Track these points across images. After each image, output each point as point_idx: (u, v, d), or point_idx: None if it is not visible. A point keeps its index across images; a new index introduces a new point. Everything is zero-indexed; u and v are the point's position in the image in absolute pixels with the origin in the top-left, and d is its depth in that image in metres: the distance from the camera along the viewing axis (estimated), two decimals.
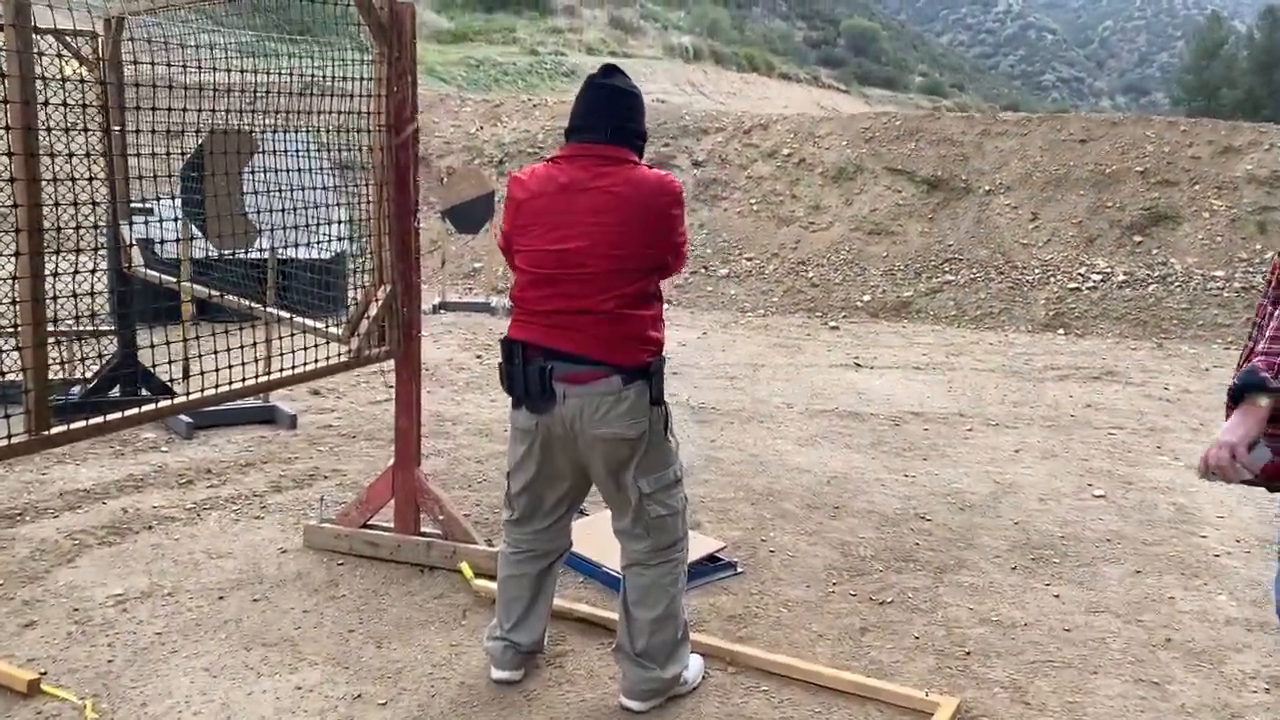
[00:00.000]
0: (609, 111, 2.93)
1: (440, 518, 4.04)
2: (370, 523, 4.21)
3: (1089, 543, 4.59)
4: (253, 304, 4.75)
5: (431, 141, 13.86)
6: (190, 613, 3.56)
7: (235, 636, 3.39)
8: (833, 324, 10.49)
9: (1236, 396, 1.90)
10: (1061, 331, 10.28)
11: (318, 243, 4.49)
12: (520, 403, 2.97)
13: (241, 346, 3.68)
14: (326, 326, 4.25)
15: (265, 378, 3.57)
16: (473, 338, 8.95)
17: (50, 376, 3.19)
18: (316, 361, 3.71)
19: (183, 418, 5.75)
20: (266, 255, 7.57)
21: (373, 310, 3.83)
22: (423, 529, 4.13)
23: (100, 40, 5.79)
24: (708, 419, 6.51)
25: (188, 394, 3.51)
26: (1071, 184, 11.60)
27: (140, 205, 5.63)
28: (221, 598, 3.72)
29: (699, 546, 4.09)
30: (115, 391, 6.03)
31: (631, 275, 2.82)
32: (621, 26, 46.63)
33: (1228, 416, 1.93)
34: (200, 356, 3.47)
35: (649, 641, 2.98)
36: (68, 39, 5.91)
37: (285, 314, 4.34)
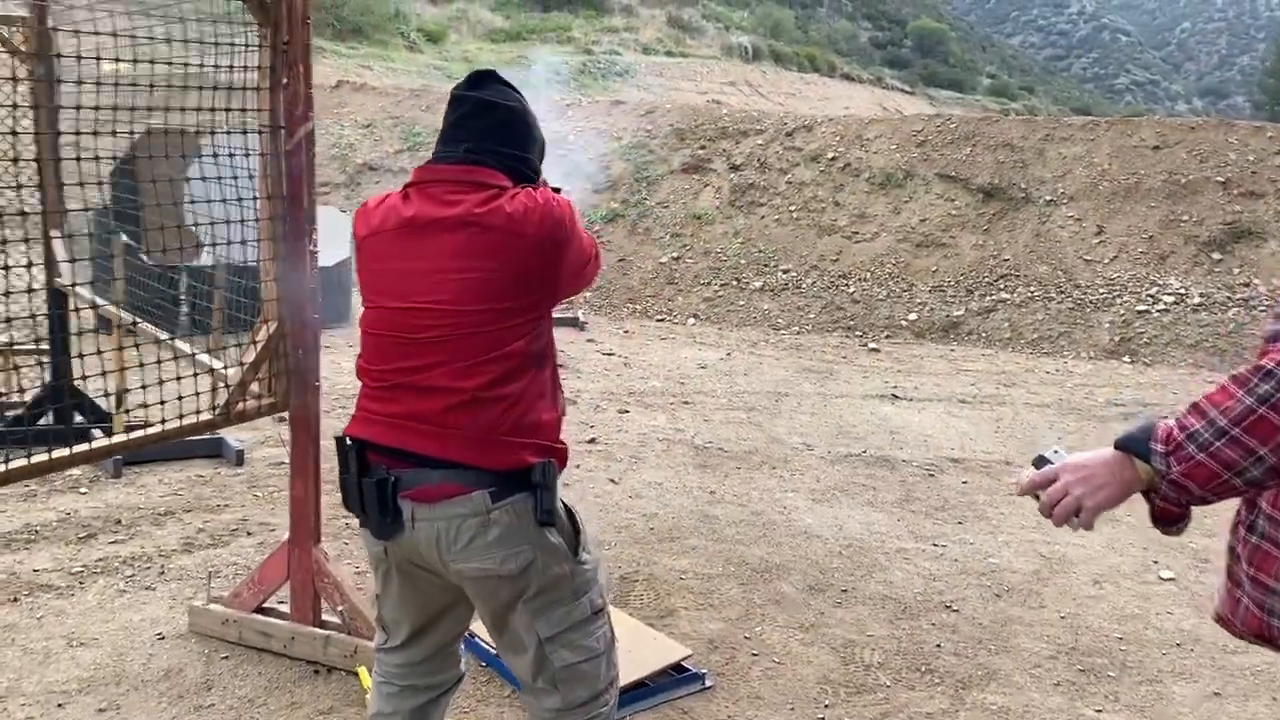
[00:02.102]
0: (471, 128, 2.20)
1: (341, 608, 3.30)
2: (267, 605, 3.50)
3: (1154, 647, 3.72)
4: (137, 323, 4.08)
5: None
6: None
7: None
8: (873, 345, 9.60)
9: (1120, 447, 1.47)
10: (1128, 359, 9.28)
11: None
12: (362, 523, 2.21)
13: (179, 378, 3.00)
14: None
15: (86, 446, 2.83)
16: None
17: None
18: (181, 418, 2.98)
19: None
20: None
21: (249, 355, 3.10)
22: (324, 617, 3.40)
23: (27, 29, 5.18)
24: (711, 462, 5.70)
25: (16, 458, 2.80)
26: (1142, 195, 10.56)
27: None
28: (61, 705, 3.02)
29: (659, 654, 3.30)
30: (48, 419, 5.41)
31: (501, 336, 2.07)
32: (680, 26, 45.67)
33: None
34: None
35: None
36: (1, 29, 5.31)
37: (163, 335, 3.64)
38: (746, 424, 6.59)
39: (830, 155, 11.90)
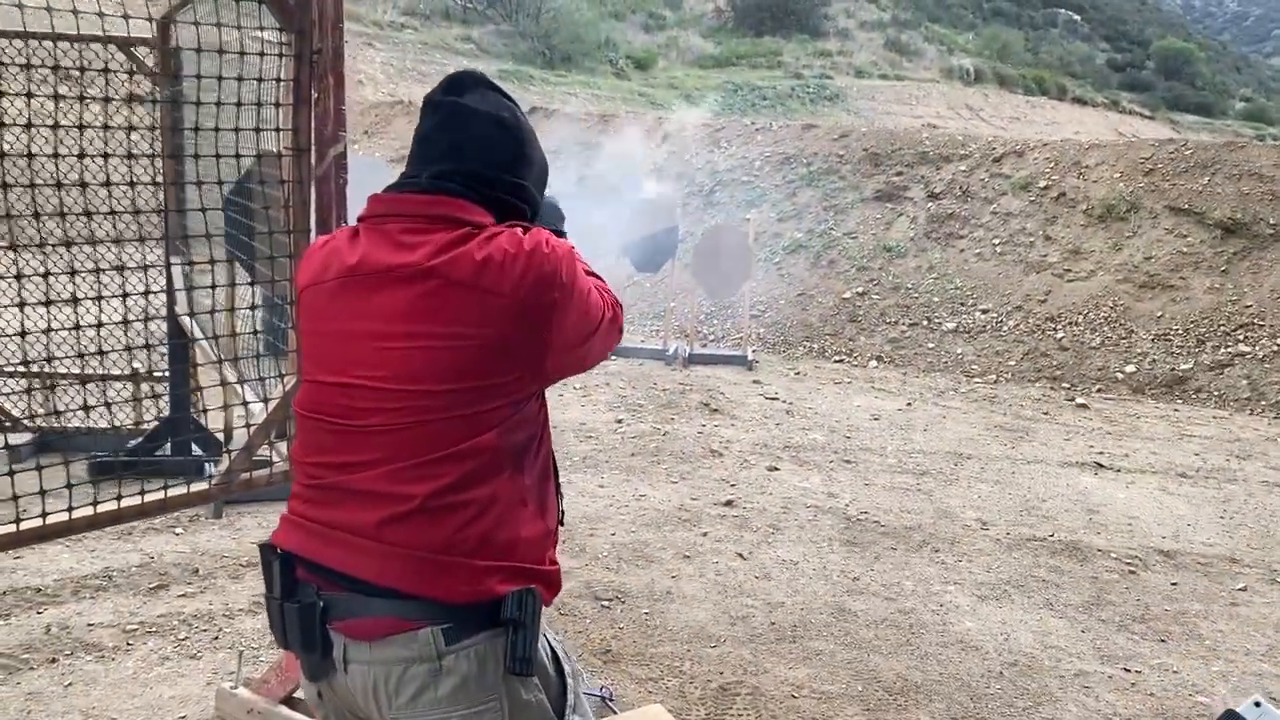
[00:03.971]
0: (442, 145, 1.69)
1: None
2: (295, 696, 3.05)
3: None
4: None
5: (643, 169, 12.83)
6: None
7: None
8: (1080, 400, 8.43)
9: None
10: None
11: None
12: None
13: None
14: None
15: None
16: (629, 394, 7.72)
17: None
18: (165, 489, 2.55)
19: None
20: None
21: (258, 414, 2.64)
22: None
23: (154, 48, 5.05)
24: (862, 539, 4.91)
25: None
26: None
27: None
28: None
29: None
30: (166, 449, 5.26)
31: (464, 426, 1.57)
32: (897, 49, 44.19)
33: None
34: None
35: None
36: (132, 49, 5.21)
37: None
38: (914, 492, 5.74)
39: (1043, 184, 10.74)
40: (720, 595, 4.17)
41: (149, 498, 2.60)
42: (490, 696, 1.58)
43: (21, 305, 2.85)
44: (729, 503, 5.30)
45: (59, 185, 3.05)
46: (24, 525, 2.47)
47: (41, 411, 5.72)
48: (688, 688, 3.40)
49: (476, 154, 1.68)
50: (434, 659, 1.55)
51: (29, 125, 2.68)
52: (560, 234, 1.88)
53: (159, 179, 4.71)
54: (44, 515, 2.46)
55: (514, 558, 1.59)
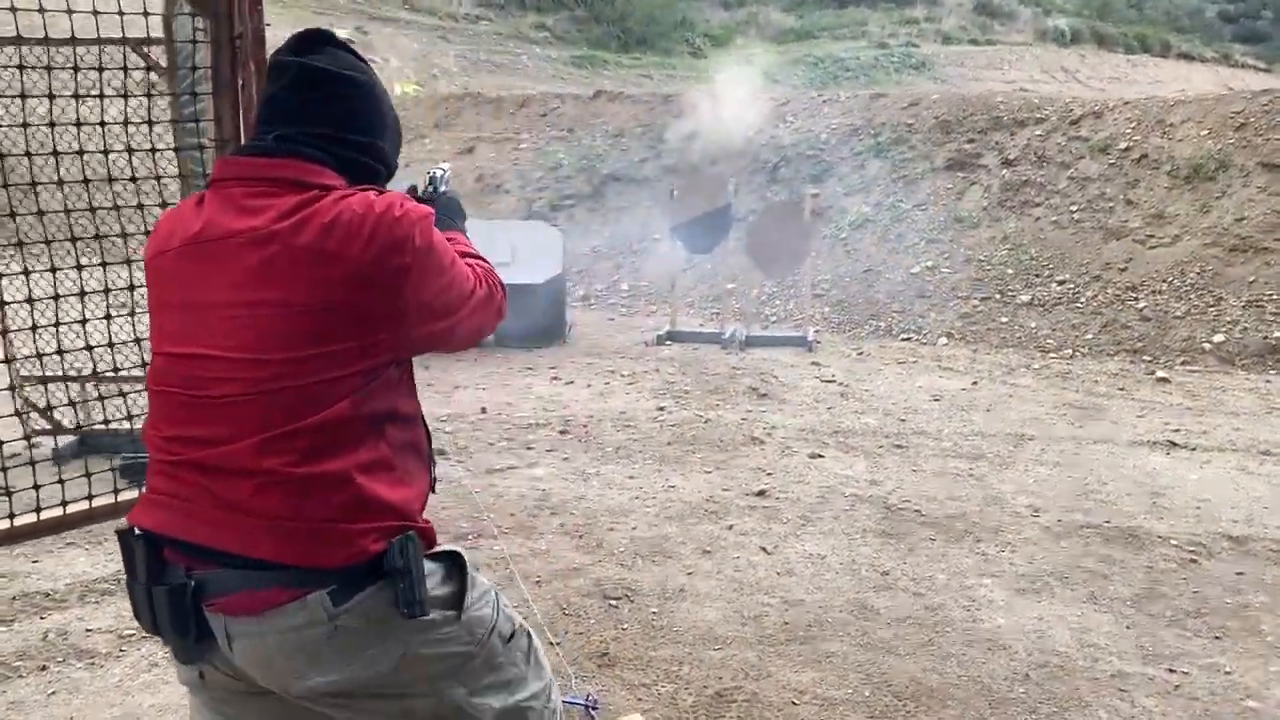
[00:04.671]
0: (289, 106, 1.65)
1: None
2: None
3: None
4: None
5: (706, 148, 12.57)
6: None
7: None
8: (1161, 373, 7.93)
9: None
10: None
11: None
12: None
13: None
14: None
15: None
16: (677, 380, 7.53)
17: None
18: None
19: None
20: None
21: None
22: None
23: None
24: (899, 529, 4.65)
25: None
26: None
27: None
28: None
29: None
30: None
31: (315, 394, 1.56)
32: (987, 12, 42.66)
33: None
34: None
35: None
36: (143, 49, 5.21)
37: None
38: (964, 478, 5.43)
39: (1123, 145, 10.16)
40: (735, 593, 3.97)
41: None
42: (389, 637, 1.59)
43: (84, 322, 3.05)
44: (761, 493, 5.08)
45: (118, 208, 3.05)
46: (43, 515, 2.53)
47: (93, 418, 5.80)
48: (681, 694, 3.22)
49: (326, 114, 1.64)
50: (326, 621, 1.54)
51: (79, 123, 2.68)
52: (421, 196, 1.83)
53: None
54: (64, 504, 2.54)
55: (386, 518, 1.59)
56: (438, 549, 1.72)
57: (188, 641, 1.57)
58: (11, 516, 2.64)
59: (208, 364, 1.56)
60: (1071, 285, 9.33)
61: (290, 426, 1.53)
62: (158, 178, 2.75)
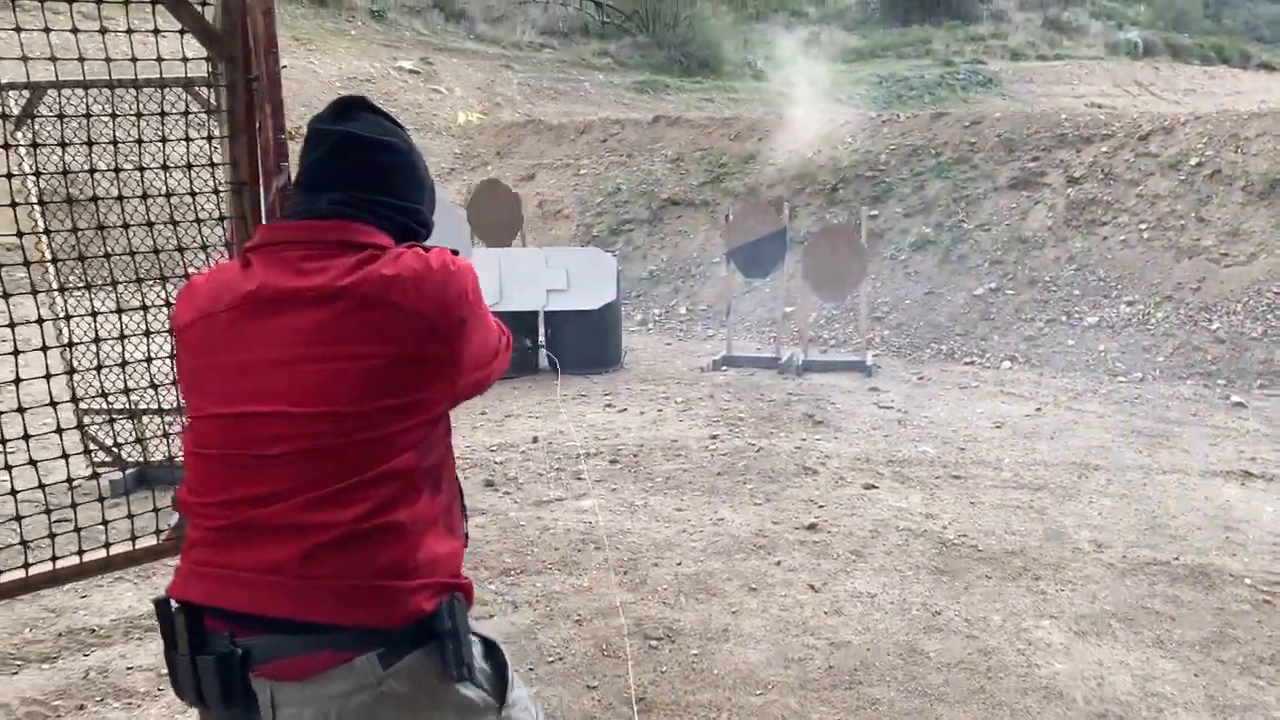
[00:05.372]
0: (337, 171, 1.70)
1: None
2: None
3: None
4: None
5: (764, 170, 12.48)
6: None
7: None
8: (1237, 398, 7.61)
9: None
10: None
11: None
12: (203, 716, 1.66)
13: None
14: None
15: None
16: (731, 406, 7.43)
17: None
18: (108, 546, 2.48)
19: None
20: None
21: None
22: None
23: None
24: (954, 566, 4.49)
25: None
26: None
27: None
28: None
29: None
30: None
31: (382, 448, 1.57)
32: (1057, 27, 41.91)
33: None
34: None
35: None
36: (196, 89, 5.30)
37: None
38: (1025, 510, 5.24)
39: (1194, 161, 9.83)
40: (781, 634, 3.85)
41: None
42: (434, 709, 1.59)
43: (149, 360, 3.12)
44: (812, 526, 4.96)
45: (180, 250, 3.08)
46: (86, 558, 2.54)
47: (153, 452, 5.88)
48: None
49: (370, 179, 1.70)
50: (374, 686, 1.53)
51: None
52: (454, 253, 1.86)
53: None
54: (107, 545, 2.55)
55: (436, 575, 1.60)
56: (475, 633, 1.70)
57: (235, 711, 1.56)
58: (54, 559, 2.64)
59: (269, 422, 1.55)
60: (1141, 306, 9.03)
61: (352, 479, 1.54)
62: (222, 218, 2.76)
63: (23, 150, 4.81)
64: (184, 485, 1.66)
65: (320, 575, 1.52)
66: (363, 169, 1.70)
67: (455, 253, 1.80)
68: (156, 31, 2.37)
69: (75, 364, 4.13)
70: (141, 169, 3.05)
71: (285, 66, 2.35)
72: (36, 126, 4.69)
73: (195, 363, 1.66)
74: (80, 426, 5.23)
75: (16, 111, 4.92)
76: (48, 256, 5.09)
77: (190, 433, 1.65)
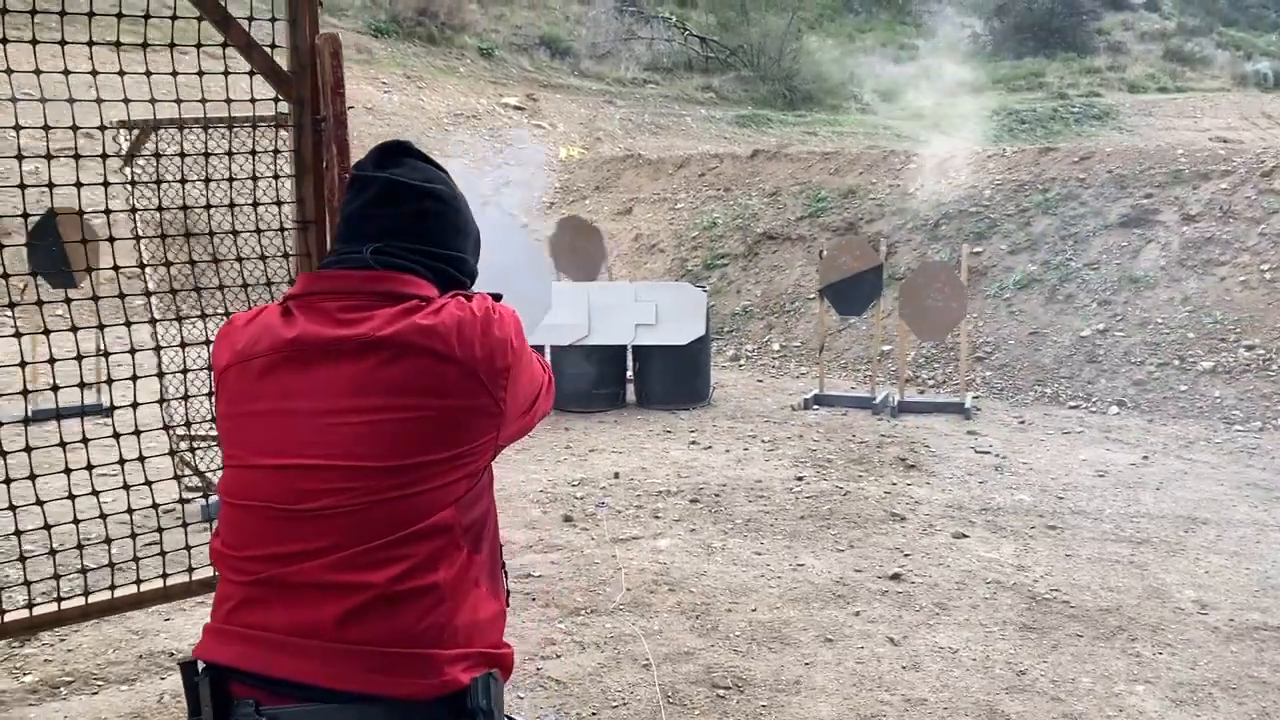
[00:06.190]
0: (380, 220, 1.66)
1: None
2: None
3: None
4: None
5: (864, 205, 12.29)
6: None
7: None
8: None
9: None
10: None
11: None
12: None
13: None
14: None
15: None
16: (821, 447, 7.27)
17: None
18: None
19: None
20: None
21: None
22: None
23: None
24: (1043, 623, 4.27)
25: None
26: None
27: None
28: None
29: None
30: None
31: (423, 504, 1.52)
32: (1178, 59, 40.53)
33: None
34: None
35: None
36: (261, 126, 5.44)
37: None
38: (1125, 565, 4.97)
39: None
40: (854, 688, 3.71)
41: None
42: None
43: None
44: (895, 576, 4.78)
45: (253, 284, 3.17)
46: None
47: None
48: None
49: (413, 228, 1.65)
50: None
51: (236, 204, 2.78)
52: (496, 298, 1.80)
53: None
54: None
55: (476, 643, 1.56)
56: (508, 717, 1.65)
57: None
58: (113, 588, 2.69)
59: (313, 475, 1.51)
60: (1262, 351, 8.56)
61: (392, 536, 1.49)
62: (307, 254, 2.80)
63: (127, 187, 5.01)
64: (217, 537, 1.62)
65: (356, 641, 1.47)
66: (405, 217, 1.65)
67: (498, 298, 1.77)
68: (226, 73, 2.42)
69: (165, 393, 4.26)
70: (232, 205, 3.14)
71: (352, 108, 2.38)
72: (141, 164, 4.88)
73: (233, 409, 1.62)
74: (172, 451, 5.38)
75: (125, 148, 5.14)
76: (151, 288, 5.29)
77: (227, 482, 1.61)
